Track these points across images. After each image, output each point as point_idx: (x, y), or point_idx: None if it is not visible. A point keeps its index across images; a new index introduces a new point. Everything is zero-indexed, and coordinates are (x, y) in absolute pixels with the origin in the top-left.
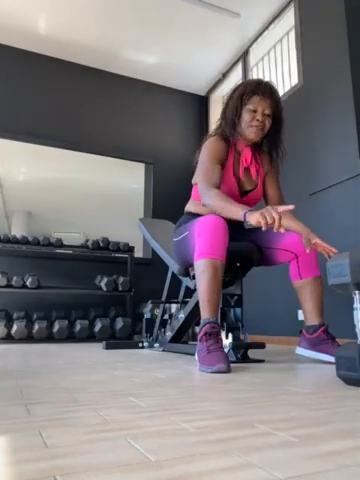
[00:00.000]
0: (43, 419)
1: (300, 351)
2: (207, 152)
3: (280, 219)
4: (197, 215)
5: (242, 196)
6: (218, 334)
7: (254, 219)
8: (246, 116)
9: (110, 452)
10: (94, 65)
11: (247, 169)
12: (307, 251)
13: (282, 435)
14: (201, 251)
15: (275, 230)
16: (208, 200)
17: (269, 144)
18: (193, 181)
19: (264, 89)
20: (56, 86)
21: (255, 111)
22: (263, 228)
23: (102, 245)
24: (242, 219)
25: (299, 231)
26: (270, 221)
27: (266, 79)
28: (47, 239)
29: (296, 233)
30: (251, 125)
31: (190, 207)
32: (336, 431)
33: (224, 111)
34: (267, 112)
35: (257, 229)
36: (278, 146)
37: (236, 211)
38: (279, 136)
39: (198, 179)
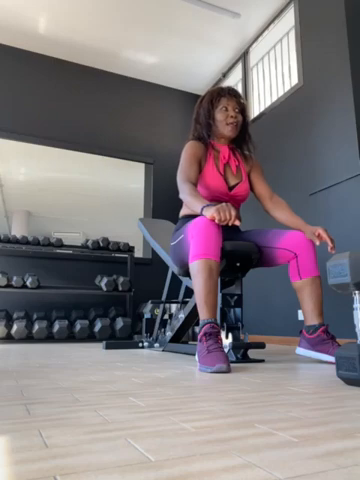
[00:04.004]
0: (43, 419)
1: (300, 351)
2: (184, 154)
3: (235, 216)
4: (191, 217)
5: (230, 190)
6: (218, 334)
7: (209, 213)
8: (219, 116)
9: (110, 452)
10: (94, 65)
11: (227, 165)
12: (317, 243)
13: (282, 435)
14: (195, 252)
15: (230, 223)
16: (182, 194)
17: (239, 141)
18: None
19: (228, 91)
20: (56, 86)
21: (227, 109)
22: (216, 221)
23: (102, 245)
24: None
25: (301, 227)
26: (224, 218)
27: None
28: (47, 239)
29: (297, 231)
30: (227, 123)
31: (184, 211)
32: (336, 431)
33: (197, 118)
34: (237, 109)
35: (253, 233)
36: (248, 141)
37: (197, 206)
38: (247, 132)
39: (177, 177)
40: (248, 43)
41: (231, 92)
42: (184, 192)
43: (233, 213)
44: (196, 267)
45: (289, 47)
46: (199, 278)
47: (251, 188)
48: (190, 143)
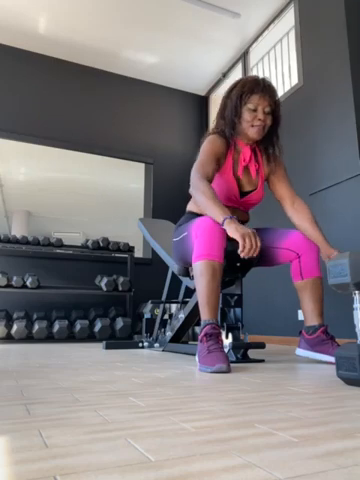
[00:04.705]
0: (43, 419)
1: (300, 352)
2: (204, 148)
3: (257, 248)
4: (198, 215)
5: (242, 197)
6: (219, 335)
7: (231, 232)
8: (247, 115)
9: (110, 452)
10: (94, 65)
11: (246, 168)
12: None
13: (282, 435)
14: (199, 253)
15: (244, 255)
16: (195, 191)
17: (266, 142)
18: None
19: (263, 87)
20: (56, 86)
21: (255, 110)
22: (239, 251)
23: (102, 245)
24: (220, 223)
25: (319, 244)
26: (248, 246)
27: (262, 76)
28: (47, 239)
29: (299, 231)
30: (253, 124)
31: (191, 207)
32: (336, 431)
33: (222, 111)
34: (267, 110)
35: (258, 229)
36: (275, 143)
37: (216, 214)
38: (276, 133)
39: (192, 171)
40: (248, 43)
41: (265, 90)
42: (199, 190)
43: (259, 244)
44: (199, 268)
45: (289, 47)
46: (202, 279)
47: (272, 189)
48: (212, 137)
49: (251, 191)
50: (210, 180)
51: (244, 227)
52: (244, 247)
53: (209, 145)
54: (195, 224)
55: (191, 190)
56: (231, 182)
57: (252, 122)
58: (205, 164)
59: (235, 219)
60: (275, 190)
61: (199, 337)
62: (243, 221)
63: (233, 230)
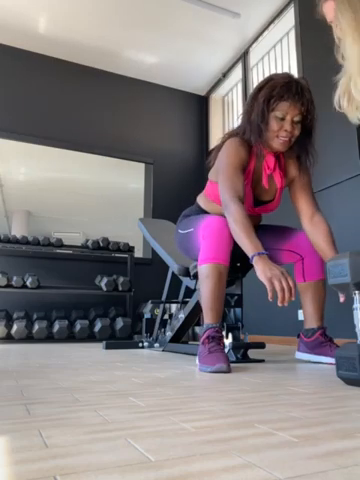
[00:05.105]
0: (43, 419)
1: (300, 355)
2: (229, 155)
3: (290, 290)
4: (205, 212)
5: (255, 206)
6: (221, 338)
7: (259, 272)
8: (273, 124)
9: (110, 452)
10: (94, 65)
11: (270, 176)
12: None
13: (282, 435)
14: (205, 256)
15: (279, 302)
16: (227, 215)
17: (298, 148)
18: (210, 177)
19: (295, 92)
20: (56, 86)
21: (283, 119)
22: (269, 297)
23: (102, 245)
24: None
25: None
26: (278, 288)
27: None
28: (47, 239)
29: (303, 233)
30: (278, 135)
31: (201, 201)
32: (336, 431)
33: (248, 114)
34: (296, 119)
35: (259, 230)
36: (308, 150)
37: (246, 247)
38: (310, 139)
39: (220, 186)
40: (248, 43)
41: (298, 96)
42: (232, 216)
43: (291, 284)
44: (205, 271)
45: (289, 47)
46: (208, 283)
47: (292, 198)
48: (235, 142)
49: (267, 202)
50: (242, 199)
51: (274, 267)
52: (272, 292)
53: (233, 154)
54: (203, 223)
55: (223, 209)
56: (247, 193)
57: (278, 132)
58: (234, 180)
59: (265, 257)
60: (295, 200)
61: (201, 339)
62: (255, 223)
63: (260, 271)
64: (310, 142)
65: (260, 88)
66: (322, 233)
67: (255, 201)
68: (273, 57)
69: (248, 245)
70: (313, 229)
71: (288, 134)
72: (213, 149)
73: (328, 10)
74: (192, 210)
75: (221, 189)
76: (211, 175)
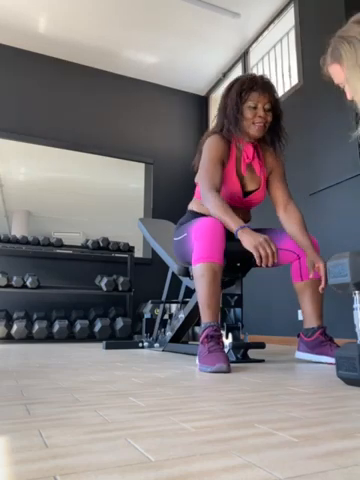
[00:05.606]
0: (43, 419)
1: (300, 355)
2: (208, 151)
3: (273, 254)
4: (199, 214)
5: (245, 196)
6: (219, 337)
7: (245, 243)
8: (248, 113)
9: (110, 452)
10: (94, 65)
11: (250, 165)
12: (310, 275)
13: (282, 435)
14: (199, 255)
15: (265, 265)
16: (207, 204)
17: (271, 135)
18: (196, 180)
19: (261, 84)
20: (56, 86)
21: (255, 107)
22: (257, 262)
23: (102, 245)
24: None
25: (305, 250)
26: (264, 254)
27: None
28: (47, 239)
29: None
30: (254, 122)
31: (193, 206)
32: (336, 431)
33: (223, 110)
34: (267, 107)
35: (259, 229)
36: (281, 135)
37: (229, 225)
38: (280, 124)
39: (199, 180)
40: (248, 43)
41: (264, 86)
42: (209, 203)
43: (274, 249)
44: (200, 270)
45: (289, 47)
46: (202, 281)
47: (269, 188)
48: (214, 139)
49: (254, 190)
50: (218, 189)
51: (257, 235)
52: (260, 258)
53: (213, 148)
54: (195, 225)
55: (202, 201)
56: (234, 182)
57: (253, 120)
58: (211, 173)
59: (247, 228)
60: (271, 190)
61: (200, 339)
62: (245, 220)
63: (246, 242)
64: (280, 127)
65: (230, 87)
66: (295, 220)
67: (244, 193)
68: (273, 57)
69: (230, 222)
70: (287, 217)
71: (262, 119)
72: (196, 153)
73: (335, 73)
74: (185, 218)
75: (200, 182)
76: (197, 178)
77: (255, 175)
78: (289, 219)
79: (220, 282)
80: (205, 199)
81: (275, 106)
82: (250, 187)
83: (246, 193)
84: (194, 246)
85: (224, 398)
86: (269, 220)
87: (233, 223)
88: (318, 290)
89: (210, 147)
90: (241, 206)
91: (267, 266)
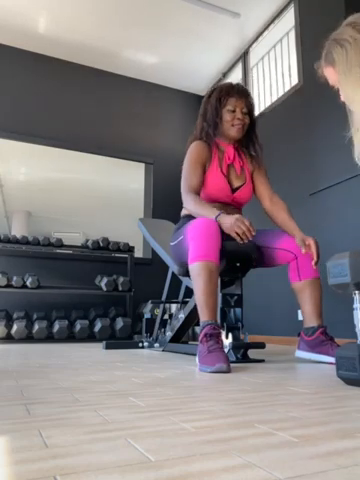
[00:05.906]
0: (43, 419)
1: (300, 354)
2: (188, 157)
3: (249, 228)
4: (192, 217)
5: (233, 192)
6: (219, 335)
7: (224, 227)
8: (227, 116)
9: (110, 452)
10: (94, 65)
11: (231, 165)
12: (302, 251)
13: (282, 435)
14: (195, 255)
15: (240, 242)
16: (186, 205)
17: (246, 139)
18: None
19: (238, 90)
20: (56, 86)
21: (234, 111)
22: (237, 239)
23: (102, 245)
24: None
25: (293, 231)
26: (241, 232)
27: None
28: (47, 239)
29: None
30: (233, 124)
31: (184, 211)
32: (336, 431)
33: (204, 115)
34: (245, 110)
35: (256, 229)
36: (255, 142)
37: (208, 215)
38: (254, 132)
39: (181, 182)
40: (248, 43)
41: (240, 92)
42: (189, 203)
43: (247, 224)
44: (196, 269)
45: (289, 47)
46: (199, 280)
47: (253, 188)
48: (195, 144)
49: (241, 186)
50: (197, 192)
51: (230, 217)
52: (238, 236)
53: (193, 153)
54: (190, 226)
55: (184, 205)
56: (221, 178)
57: (232, 122)
58: (189, 178)
59: (223, 214)
60: (255, 188)
61: (199, 338)
62: None
63: (226, 225)
64: (254, 134)
65: (209, 94)
66: (282, 207)
67: (231, 189)
68: (273, 57)
69: (209, 213)
70: (273, 207)
71: (240, 121)
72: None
73: (329, 75)
74: (180, 223)
75: (182, 188)
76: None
77: (239, 173)
78: (276, 207)
79: (217, 281)
80: (184, 201)
81: (251, 112)
82: (236, 184)
83: (234, 190)
84: (190, 245)
85: (224, 398)
86: (266, 222)
87: (211, 213)
88: (317, 289)
89: (190, 152)
90: (231, 203)
91: (242, 241)
